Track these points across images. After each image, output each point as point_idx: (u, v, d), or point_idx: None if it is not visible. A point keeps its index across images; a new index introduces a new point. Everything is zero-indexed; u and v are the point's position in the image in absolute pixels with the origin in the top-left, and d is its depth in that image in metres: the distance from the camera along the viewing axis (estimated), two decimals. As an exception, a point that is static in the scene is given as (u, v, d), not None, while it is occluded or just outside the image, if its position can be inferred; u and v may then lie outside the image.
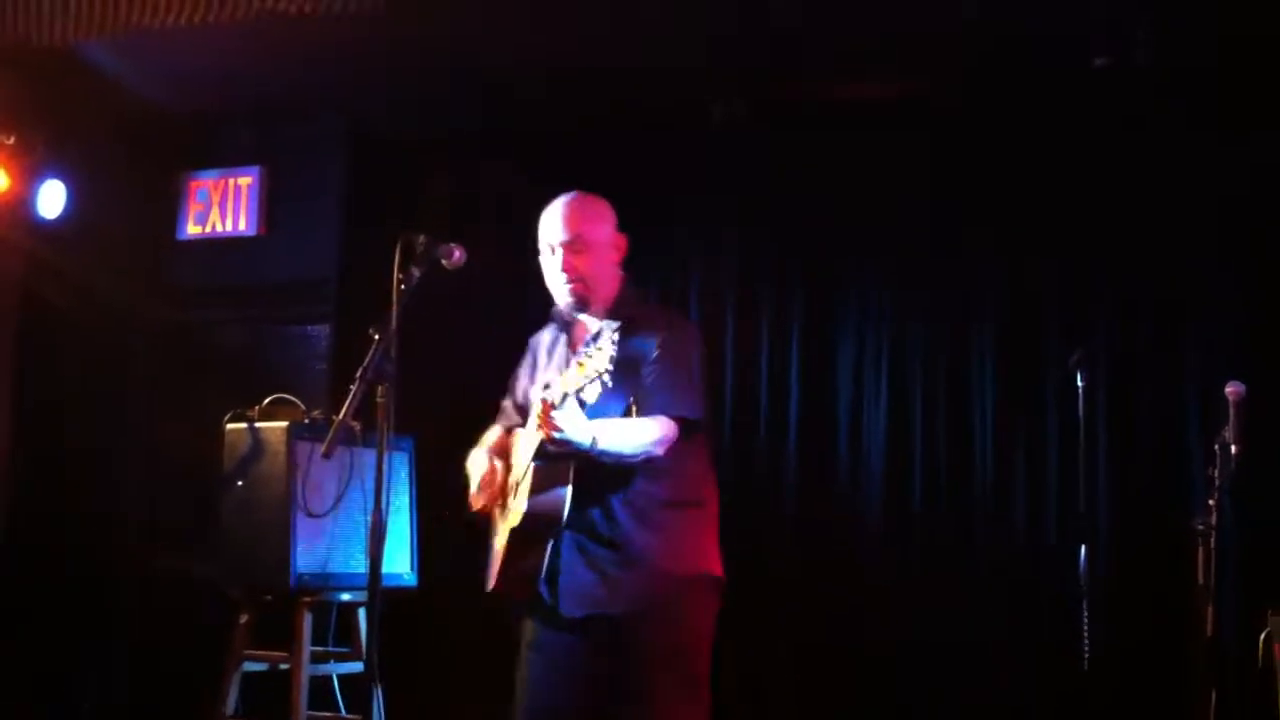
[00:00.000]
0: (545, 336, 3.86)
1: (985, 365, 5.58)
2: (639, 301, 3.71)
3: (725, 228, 6.00)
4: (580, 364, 3.22)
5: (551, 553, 3.50)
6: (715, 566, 3.72)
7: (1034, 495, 5.43)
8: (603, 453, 3.37)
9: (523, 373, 3.89)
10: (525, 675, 3.63)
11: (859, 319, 5.80)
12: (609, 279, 3.69)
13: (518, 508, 3.50)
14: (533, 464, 3.46)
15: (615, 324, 3.30)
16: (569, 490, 3.43)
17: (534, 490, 3.46)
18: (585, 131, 6.05)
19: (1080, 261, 5.46)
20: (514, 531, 3.51)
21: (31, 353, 6.54)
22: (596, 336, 3.31)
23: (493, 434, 3.88)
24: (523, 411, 3.79)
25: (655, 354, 3.53)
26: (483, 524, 3.76)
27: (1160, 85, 5.28)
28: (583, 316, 3.70)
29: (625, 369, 3.35)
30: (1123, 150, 5.37)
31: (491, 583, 3.64)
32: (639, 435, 3.46)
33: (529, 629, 3.64)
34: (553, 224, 3.64)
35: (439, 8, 5.25)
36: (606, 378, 3.20)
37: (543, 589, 3.52)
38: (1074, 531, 4.76)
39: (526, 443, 3.57)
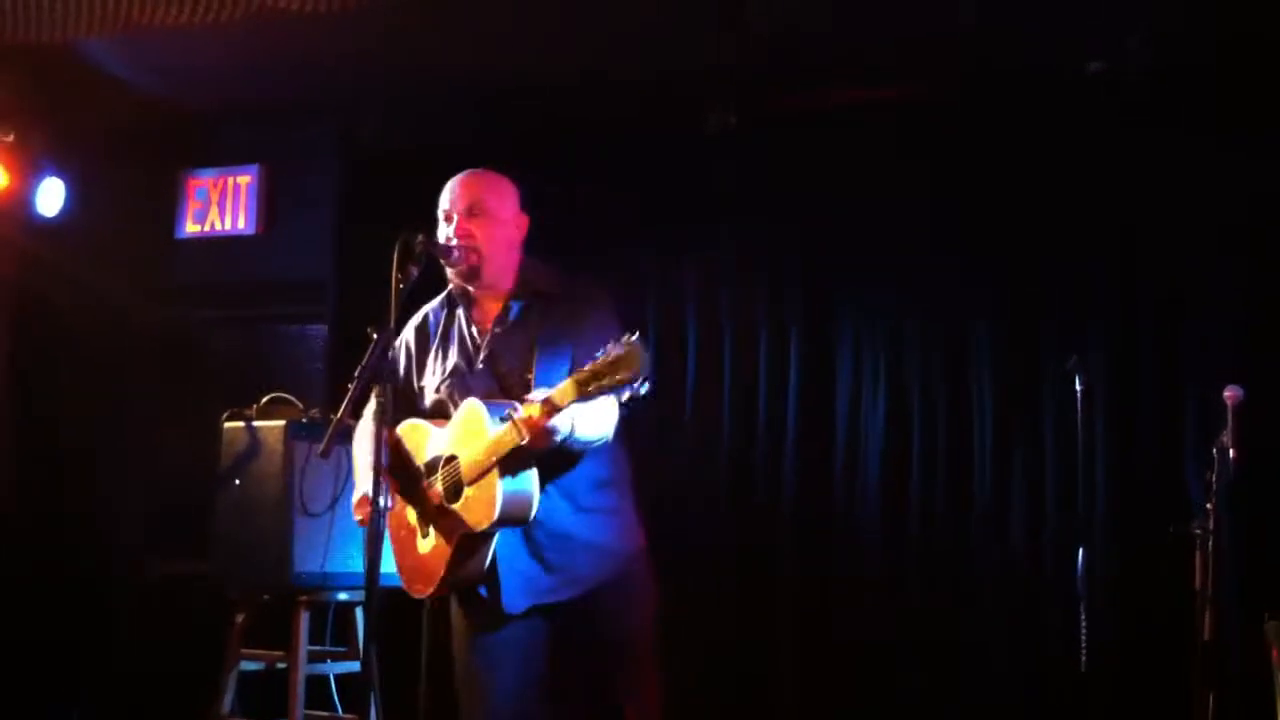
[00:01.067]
0: (427, 319, 3.67)
1: (983, 368, 5.57)
2: (545, 275, 3.57)
3: (723, 233, 5.99)
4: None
5: (493, 549, 3.38)
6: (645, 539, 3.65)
7: (1032, 498, 5.42)
8: (576, 442, 3.30)
9: (401, 358, 3.66)
10: (476, 683, 3.49)
11: (857, 322, 5.78)
12: (506, 254, 3.55)
13: (479, 510, 3.30)
14: (496, 465, 3.27)
15: (519, 304, 3.47)
16: (534, 485, 3.31)
17: (504, 490, 3.28)
18: (581, 134, 6.05)
19: (1078, 264, 5.45)
20: (468, 536, 3.34)
21: (29, 350, 6.55)
22: (506, 315, 3.45)
23: (367, 427, 3.62)
24: (407, 400, 3.61)
25: (587, 331, 3.37)
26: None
27: (1158, 87, 5.27)
28: (482, 293, 3.56)
29: (553, 344, 3.38)
30: (1121, 152, 5.36)
31: (432, 588, 3.46)
32: (605, 420, 3.37)
33: (463, 632, 3.53)
34: (451, 191, 3.55)
35: (437, 10, 5.24)
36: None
37: (480, 588, 3.42)
38: (1072, 534, 4.76)
39: (454, 439, 3.39)
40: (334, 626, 5.35)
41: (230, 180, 6.57)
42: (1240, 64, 5.19)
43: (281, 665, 5.12)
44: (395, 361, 3.63)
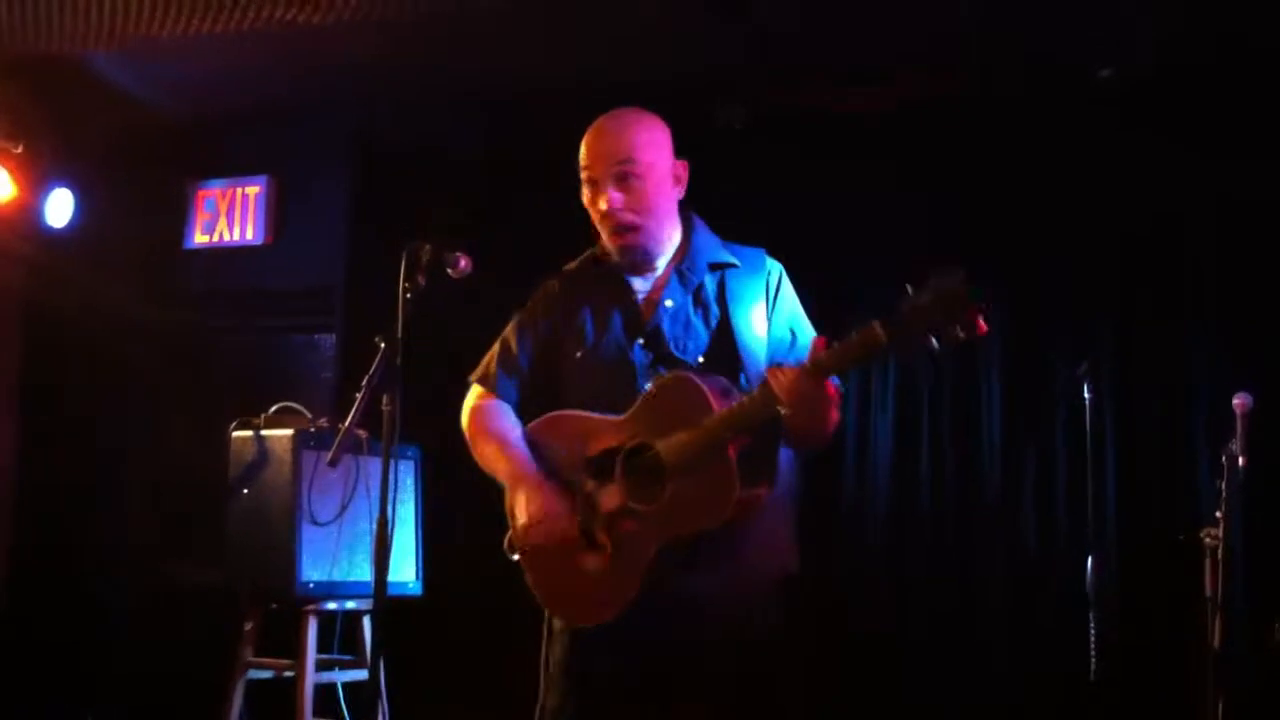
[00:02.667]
0: (570, 281, 3.12)
1: (992, 375, 5.56)
2: (715, 240, 3.10)
3: (727, 231, 5.97)
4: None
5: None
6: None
7: (1041, 504, 5.41)
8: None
9: (530, 333, 3.13)
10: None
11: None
12: (669, 214, 3.02)
13: (700, 502, 2.71)
14: (723, 443, 2.69)
15: (696, 274, 2.95)
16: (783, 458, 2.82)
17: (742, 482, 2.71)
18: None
19: (1086, 271, 5.45)
20: (674, 540, 2.75)
21: (38, 359, 6.56)
22: (681, 283, 2.93)
23: (507, 420, 3.07)
24: (545, 384, 3.09)
25: (792, 310, 3.04)
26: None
27: (1164, 91, 5.27)
28: (645, 259, 3.01)
29: (749, 323, 2.91)
30: (1128, 158, 5.36)
31: (617, 611, 2.78)
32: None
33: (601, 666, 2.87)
34: (591, 149, 2.98)
35: (444, 20, 5.24)
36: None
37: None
38: (1081, 540, 4.75)
39: (641, 424, 2.79)
40: (342, 635, 5.35)
41: (239, 191, 6.58)
42: (1247, 70, 5.19)
43: (289, 674, 5.12)
44: (530, 330, 3.12)
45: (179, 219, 6.65)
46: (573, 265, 3.15)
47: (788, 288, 3.07)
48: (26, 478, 6.53)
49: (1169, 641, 5.01)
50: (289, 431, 5.11)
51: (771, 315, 2.99)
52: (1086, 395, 4.57)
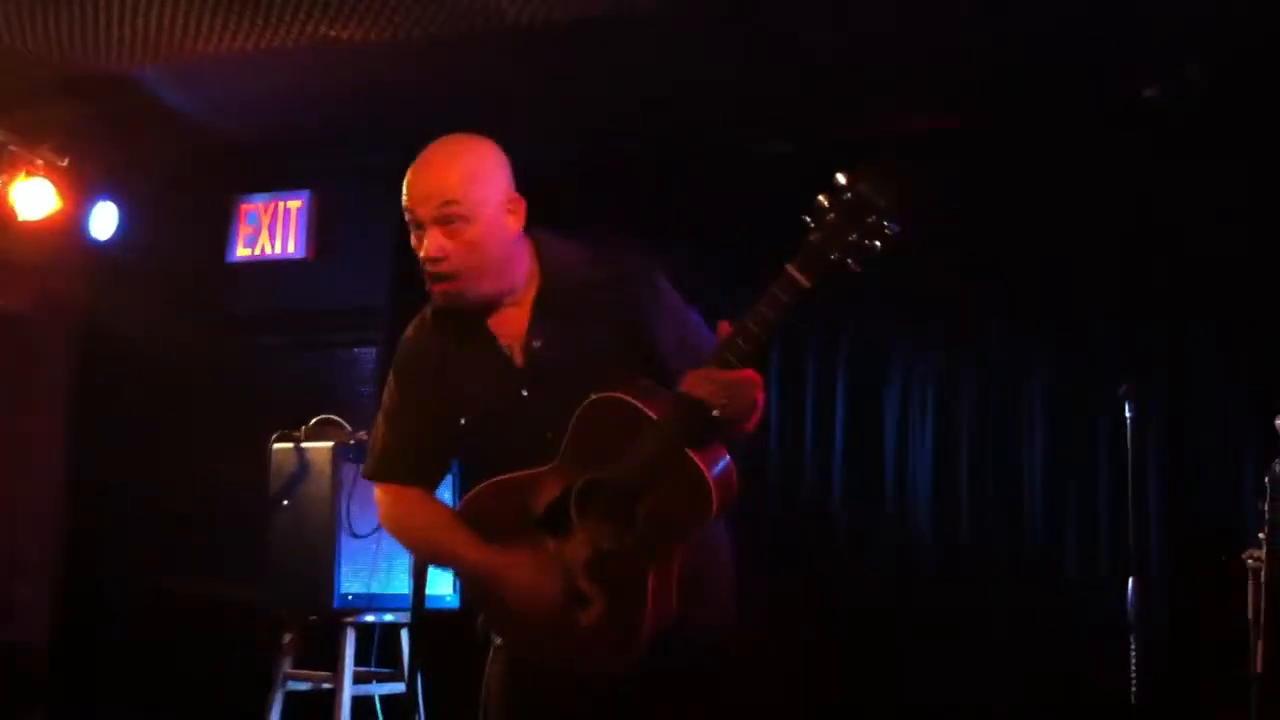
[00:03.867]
0: (416, 353, 2.82)
1: (1034, 396, 5.53)
2: (571, 254, 2.76)
3: (767, 259, 5.96)
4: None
5: None
6: None
7: (1083, 526, 5.38)
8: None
9: (413, 404, 2.80)
10: None
11: (906, 348, 5.77)
12: (505, 255, 2.67)
13: (679, 514, 2.53)
14: (673, 447, 2.50)
15: (555, 301, 2.67)
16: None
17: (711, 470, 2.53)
18: (635, 161, 6.06)
19: (1130, 291, 5.42)
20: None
21: (82, 371, 6.62)
22: (544, 320, 2.65)
23: (434, 507, 2.84)
24: (437, 464, 2.85)
25: (665, 310, 2.74)
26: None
27: (1208, 113, 5.24)
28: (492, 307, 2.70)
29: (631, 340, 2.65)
30: (1172, 181, 5.32)
31: (634, 654, 2.56)
32: None
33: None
34: (410, 188, 2.67)
35: (489, 42, 5.26)
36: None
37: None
38: (1124, 563, 4.71)
39: (576, 462, 2.57)
40: (380, 648, 5.36)
41: (281, 205, 6.62)
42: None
43: (327, 686, 5.13)
44: (401, 409, 2.82)
45: (222, 232, 6.69)
46: (425, 318, 2.81)
47: (663, 287, 2.74)
48: (75, 488, 6.59)
49: (1212, 665, 4.96)
50: (329, 444, 5.14)
51: (654, 320, 2.69)
52: (1129, 415, 4.53)
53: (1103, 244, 5.45)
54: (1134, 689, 4.44)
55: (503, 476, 2.67)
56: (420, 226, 2.65)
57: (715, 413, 2.45)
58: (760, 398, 2.53)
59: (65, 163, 5.94)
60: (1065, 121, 5.49)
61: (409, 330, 2.84)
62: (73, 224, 6.10)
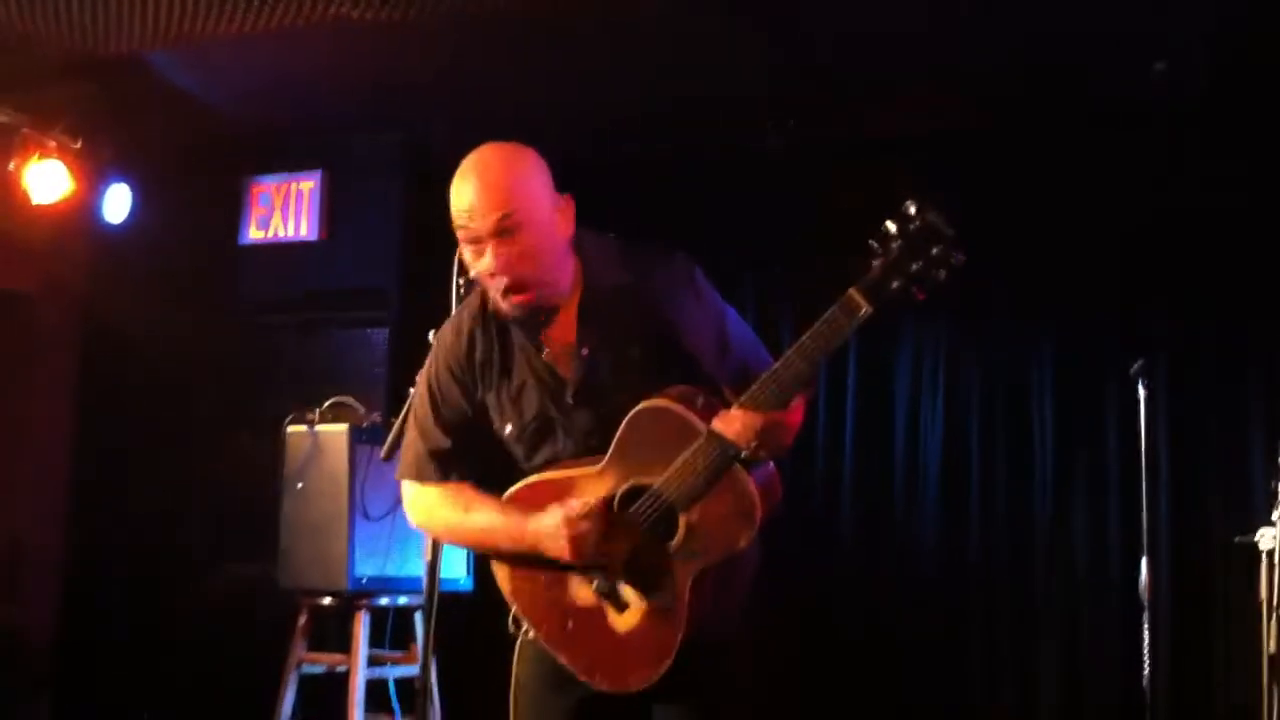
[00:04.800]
0: (474, 343, 2.78)
1: (1045, 376, 5.53)
2: (616, 257, 2.74)
3: (778, 251, 5.95)
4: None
5: None
6: None
7: (1094, 507, 5.38)
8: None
9: (458, 397, 2.79)
10: None
11: (915, 333, 5.76)
12: (561, 259, 2.67)
13: (722, 529, 2.55)
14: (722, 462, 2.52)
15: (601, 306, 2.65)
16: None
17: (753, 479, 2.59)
18: (642, 152, 6.05)
19: (1140, 272, 5.40)
20: (707, 571, 2.59)
21: (94, 353, 6.63)
22: (592, 324, 2.64)
23: (475, 494, 2.79)
24: (487, 448, 2.83)
25: (710, 316, 2.73)
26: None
27: (1217, 101, 5.21)
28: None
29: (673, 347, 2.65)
30: (1181, 164, 5.30)
31: (665, 665, 2.59)
32: None
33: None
34: (466, 207, 2.61)
35: (504, 30, 5.25)
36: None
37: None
38: (1135, 543, 4.71)
39: (625, 467, 2.60)
40: (394, 630, 5.38)
41: (293, 186, 6.61)
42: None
43: (341, 668, 5.15)
44: (439, 406, 2.81)
45: (234, 214, 6.69)
46: (464, 317, 2.80)
47: (703, 288, 2.74)
48: (83, 471, 6.60)
49: (1224, 646, 4.97)
50: (343, 427, 5.15)
51: (694, 323, 2.69)
52: (1141, 394, 4.51)
53: (1112, 225, 5.43)
54: (1146, 668, 4.44)
55: (547, 474, 2.71)
56: (478, 241, 2.61)
57: (743, 454, 2.48)
58: (797, 420, 2.58)
59: (78, 145, 5.94)
60: (1071, 111, 5.46)
61: (448, 331, 2.83)
62: (85, 207, 6.11)
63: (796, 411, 2.60)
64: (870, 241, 2.43)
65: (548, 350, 2.70)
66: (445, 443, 2.80)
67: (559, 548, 2.60)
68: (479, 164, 2.64)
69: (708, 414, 2.53)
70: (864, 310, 2.42)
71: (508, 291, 2.61)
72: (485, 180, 2.61)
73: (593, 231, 2.75)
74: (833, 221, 5.69)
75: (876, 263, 2.42)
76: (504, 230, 2.58)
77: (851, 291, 2.42)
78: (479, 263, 2.62)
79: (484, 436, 2.79)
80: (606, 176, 5.79)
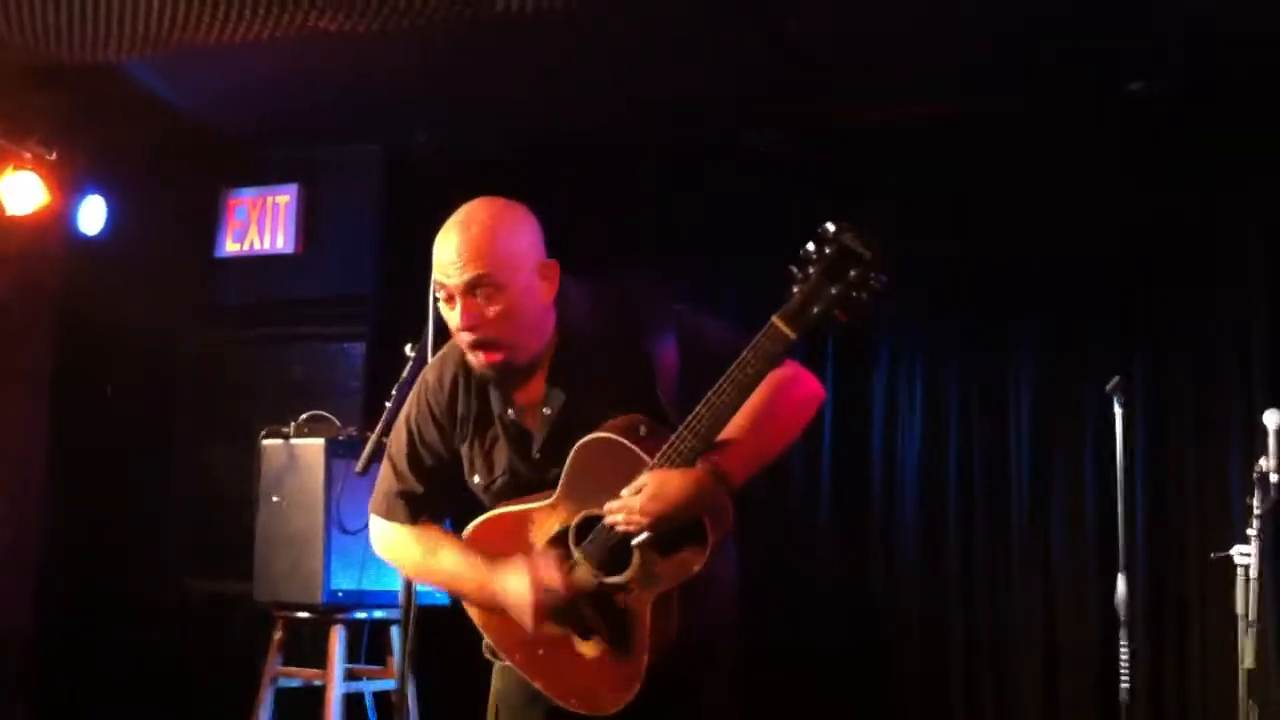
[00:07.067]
0: (455, 389, 2.81)
1: (1022, 391, 5.54)
2: (586, 312, 2.73)
3: (761, 248, 5.96)
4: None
5: None
6: None
7: (1071, 522, 5.39)
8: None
9: (433, 435, 2.83)
10: None
11: (894, 341, 5.77)
12: (540, 321, 2.67)
13: (679, 553, 2.56)
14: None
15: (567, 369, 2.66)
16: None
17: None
18: (622, 156, 6.05)
19: (1119, 287, 5.42)
20: (662, 598, 2.60)
21: (69, 366, 6.58)
22: (558, 384, 2.66)
23: (437, 536, 2.84)
24: (453, 485, 2.87)
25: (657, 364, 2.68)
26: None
27: (1195, 109, 5.24)
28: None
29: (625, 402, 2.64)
30: (1161, 175, 5.33)
31: (636, 688, 2.61)
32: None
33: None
34: (444, 259, 2.60)
35: (479, 36, 5.24)
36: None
37: None
38: (1112, 559, 4.72)
39: (576, 497, 2.65)
40: (370, 644, 5.35)
41: (269, 199, 6.60)
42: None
43: (318, 683, 5.12)
44: (416, 452, 2.86)
45: (210, 227, 6.67)
46: (449, 364, 2.82)
47: (673, 327, 2.70)
48: (57, 481, 6.55)
49: (1201, 660, 4.98)
50: (319, 440, 5.13)
51: (668, 362, 2.66)
52: (1118, 410, 4.53)
53: (1090, 239, 5.45)
54: (1124, 684, 4.45)
55: (500, 509, 2.76)
56: (451, 298, 2.62)
57: (632, 543, 2.53)
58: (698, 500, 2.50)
59: (53, 156, 5.91)
60: (1056, 110, 5.48)
61: (431, 374, 2.86)
62: (60, 218, 6.07)
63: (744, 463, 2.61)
64: (790, 267, 2.43)
65: (515, 406, 2.73)
66: (418, 488, 2.85)
67: (524, 618, 2.64)
68: (465, 219, 2.63)
69: (650, 443, 2.55)
70: (791, 338, 2.43)
71: (475, 348, 2.63)
72: (467, 237, 2.59)
73: (575, 280, 2.74)
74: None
75: (796, 289, 2.43)
76: (478, 289, 2.58)
77: (775, 320, 2.44)
78: (451, 315, 2.63)
79: (458, 482, 2.84)
80: (583, 183, 5.81)
